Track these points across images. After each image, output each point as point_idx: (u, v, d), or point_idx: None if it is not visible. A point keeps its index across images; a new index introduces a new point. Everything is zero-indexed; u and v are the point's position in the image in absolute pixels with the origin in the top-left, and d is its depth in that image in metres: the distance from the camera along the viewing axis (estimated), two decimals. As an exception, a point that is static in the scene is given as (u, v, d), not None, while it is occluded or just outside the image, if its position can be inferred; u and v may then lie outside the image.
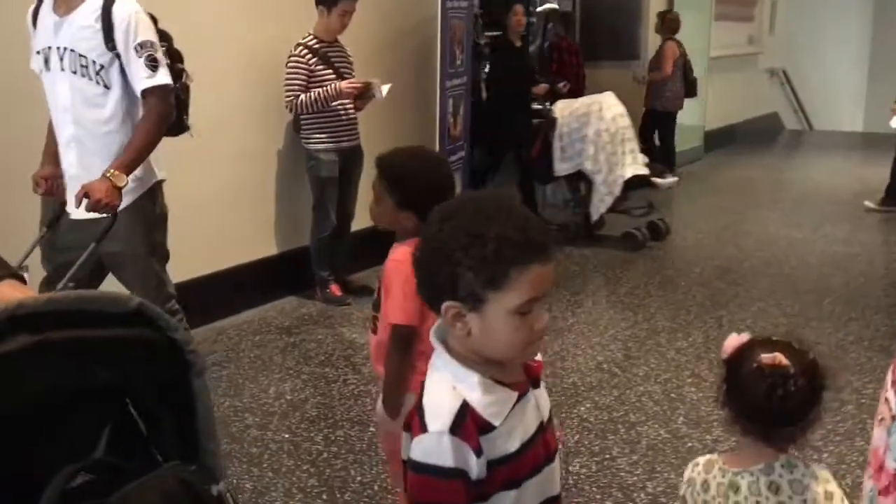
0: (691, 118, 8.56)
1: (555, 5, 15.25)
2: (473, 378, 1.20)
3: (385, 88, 4.48)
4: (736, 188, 8.03)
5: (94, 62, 2.76)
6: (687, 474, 1.65)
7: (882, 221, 6.51)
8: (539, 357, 1.34)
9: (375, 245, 5.25)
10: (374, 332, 2.13)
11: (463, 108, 5.59)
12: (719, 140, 9.64)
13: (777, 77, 11.53)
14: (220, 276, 4.35)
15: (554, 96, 6.28)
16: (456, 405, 1.18)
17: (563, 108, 5.78)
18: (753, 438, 1.56)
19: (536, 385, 1.31)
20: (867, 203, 6.74)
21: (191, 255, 4.18)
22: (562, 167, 5.75)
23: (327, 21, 4.40)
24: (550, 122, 5.77)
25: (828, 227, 6.29)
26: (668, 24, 7.64)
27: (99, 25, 2.73)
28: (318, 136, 4.47)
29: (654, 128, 7.74)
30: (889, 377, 0.93)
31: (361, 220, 4.89)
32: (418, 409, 1.22)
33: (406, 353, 2.00)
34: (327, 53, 4.43)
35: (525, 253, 1.15)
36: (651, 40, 8.32)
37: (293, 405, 3.43)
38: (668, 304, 4.61)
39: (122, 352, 1.19)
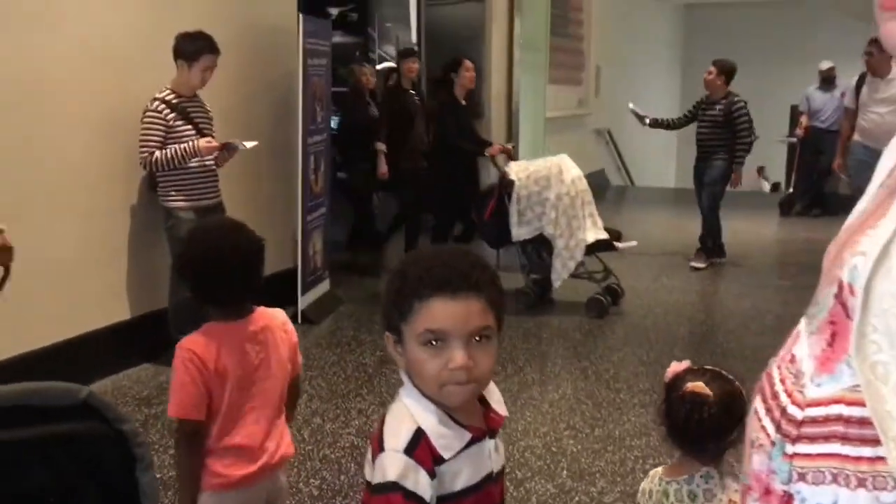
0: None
1: (394, 64, 15.57)
2: (430, 408, 1.27)
3: (249, 144, 4.39)
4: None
5: None
6: (642, 486, 1.88)
7: (710, 272, 7.06)
8: (503, 412, 1.38)
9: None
10: None
11: (324, 164, 5.53)
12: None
13: (602, 136, 12.35)
14: (70, 345, 4.00)
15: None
16: (412, 429, 1.25)
17: (519, 171, 5.47)
18: (683, 453, 1.81)
19: (493, 436, 1.35)
20: (692, 264, 7.12)
21: (35, 324, 3.84)
22: (520, 232, 5.43)
23: (188, 76, 4.23)
24: (507, 184, 5.44)
25: (664, 278, 6.74)
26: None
27: None
28: (176, 194, 4.26)
29: None
30: (761, 406, 1.02)
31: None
32: (379, 434, 1.28)
33: (191, 449, 1.95)
34: (186, 108, 4.26)
35: (425, 286, 1.23)
36: (494, 101, 8.68)
37: (164, 484, 3.17)
38: (534, 356, 4.74)
39: (65, 449, 1.07)
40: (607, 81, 11.89)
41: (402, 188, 6.55)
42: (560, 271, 5.43)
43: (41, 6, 3.83)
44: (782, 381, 0.98)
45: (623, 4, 12.67)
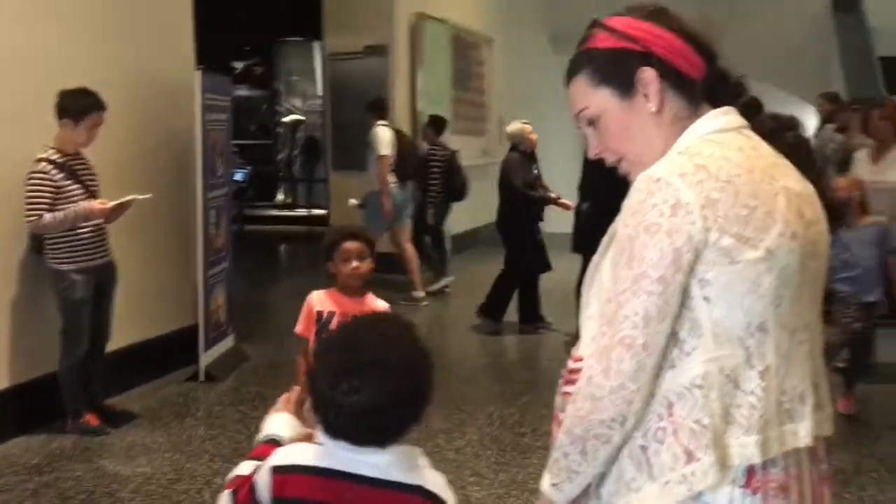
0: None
1: (301, 117, 15.64)
2: None
3: (142, 196, 4.30)
4: (482, 287, 8.54)
5: None
6: None
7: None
8: None
9: (135, 365, 4.93)
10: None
11: (225, 218, 5.47)
12: (466, 242, 10.28)
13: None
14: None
15: None
16: None
17: None
18: None
19: None
20: None
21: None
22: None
23: (73, 134, 4.11)
24: None
25: (571, 320, 6.86)
26: None
27: None
28: (67, 256, 4.11)
29: None
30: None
31: (118, 340, 4.56)
32: None
33: None
34: (72, 167, 4.14)
35: None
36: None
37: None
38: (441, 403, 4.74)
39: None
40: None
41: None
42: None
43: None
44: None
45: (526, 58, 13.05)
